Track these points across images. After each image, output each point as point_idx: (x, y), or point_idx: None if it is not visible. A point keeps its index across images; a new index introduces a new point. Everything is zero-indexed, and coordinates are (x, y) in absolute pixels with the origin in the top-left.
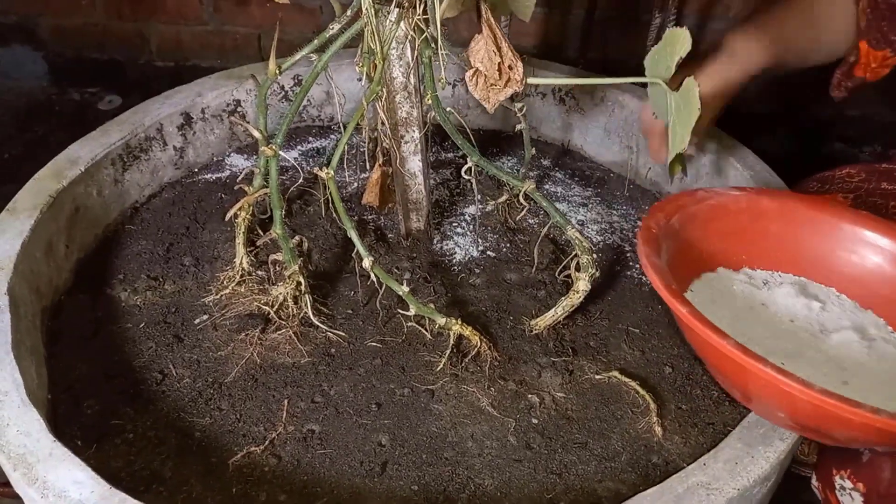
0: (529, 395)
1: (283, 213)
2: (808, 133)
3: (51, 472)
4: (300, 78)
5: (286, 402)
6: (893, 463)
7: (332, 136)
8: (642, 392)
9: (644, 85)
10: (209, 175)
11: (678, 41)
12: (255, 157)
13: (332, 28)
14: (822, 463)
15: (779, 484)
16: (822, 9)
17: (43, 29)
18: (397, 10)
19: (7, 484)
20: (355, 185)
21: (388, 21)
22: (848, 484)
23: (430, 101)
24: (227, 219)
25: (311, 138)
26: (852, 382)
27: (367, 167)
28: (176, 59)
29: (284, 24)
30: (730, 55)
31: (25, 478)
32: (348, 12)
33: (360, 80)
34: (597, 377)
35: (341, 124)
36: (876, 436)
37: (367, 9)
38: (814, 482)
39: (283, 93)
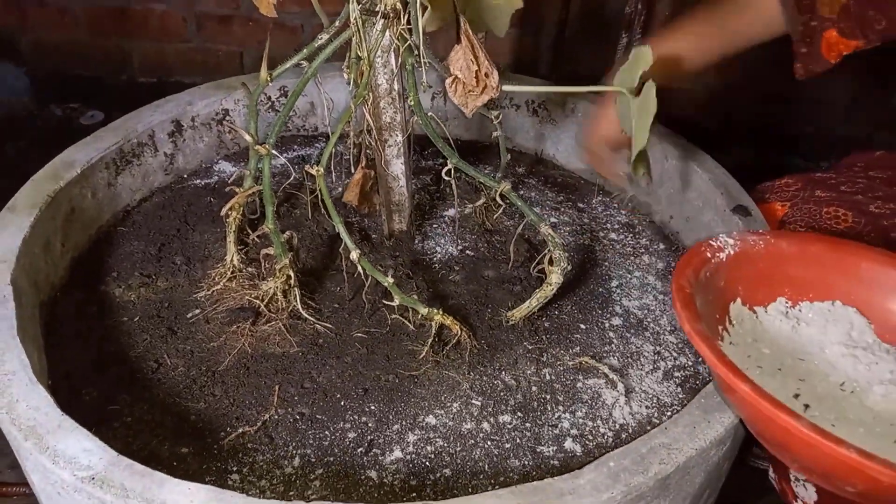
0: (507, 379)
1: (275, 209)
2: (769, 148)
3: (60, 441)
4: (286, 89)
5: (277, 388)
6: None
7: (317, 145)
8: (611, 375)
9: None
10: (198, 181)
11: (642, 58)
12: (242, 163)
13: (321, 38)
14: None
15: (736, 462)
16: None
17: (25, 45)
18: (383, 20)
19: (6, 484)
20: (339, 189)
21: (374, 31)
22: (802, 476)
23: (412, 103)
24: (222, 214)
25: (295, 146)
26: None
27: (352, 171)
28: (158, 75)
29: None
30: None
31: (37, 447)
32: (336, 23)
33: (348, 84)
34: (569, 362)
35: (329, 128)
36: None
37: (354, 19)
38: (771, 474)
39: (270, 103)
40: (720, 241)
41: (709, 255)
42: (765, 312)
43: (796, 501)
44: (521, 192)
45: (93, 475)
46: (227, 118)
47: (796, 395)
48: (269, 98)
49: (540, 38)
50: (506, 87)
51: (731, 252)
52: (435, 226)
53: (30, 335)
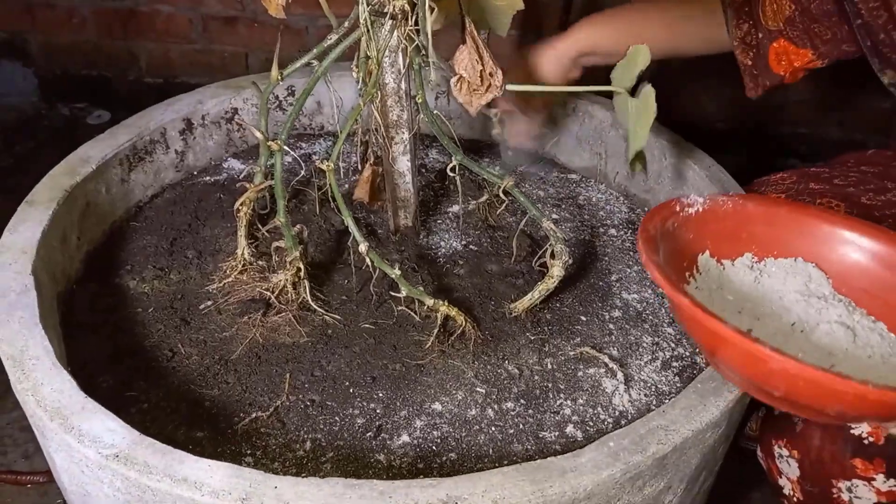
0: (510, 368)
1: (286, 203)
2: (765, 150)
3: (85, 421)
4: (293, 89)
5: (288, 375)
6: (822, 431)
7: (322, 143)
8: (611, 365)
9: (610, 95)
10: (208, 177)
11: (639, 56)
12: (251, 160)
13: (331, 38)
14: (764, 435)
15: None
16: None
17: (33, 46)
18: (391, 21)
19: (19, 473)
20: (346, 186)
21: (382, 31)
22: (785, 452)
23: (420, 102)
24: (235, 208)
25: (302, 144)
26: (840, 366)
27: (359, 168)
28: (164, 76)
29: (271, 44)
30: (565, 34)
31: (62, 427)
32: (345, 24)
33: (357, 83)
34: (571, 352)
35: (337, 126)
36: (868, 407)
37: (363, 20)
38: (759, 453)
39: (278, 102)
40: (690, 199)
41: (678, 209)
42: (731, 265)
43: (781, 477)
44: (523, 190)
45: (117, 453)
46: (237, 117)
47: (749, 330)
48: (277, 97)
49: (540, 39)
50: (509, 87)
51: (700, 209)
52: (439, 221)
53: (50, 324)
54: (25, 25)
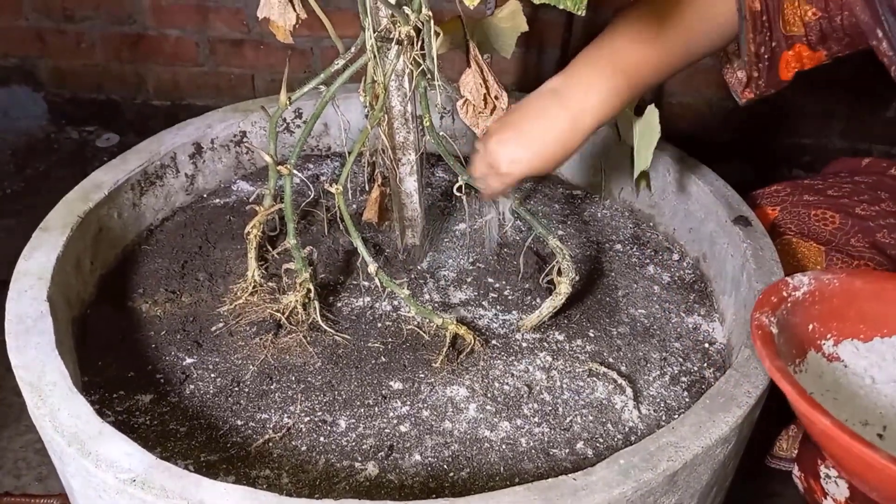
0: (519, 385)
1: (295, 226)
2: (768, 161)
3: (102, 446)
4: (300, 111)
5: (300, 396)
6: None
7: (329, 164)
8: (620, 380)
9: None
10: (217, 200)
11: None
12: (260, 183)
13: (337, 63)
14: (806, 455)
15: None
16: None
17: (42, 70)
18: (397, 46)
19: (34, 496)
20: (354, 206)
21: (388, 56)
22: (833, 472)
23: (427, 125)
24: (245, 232)
25: (310, 165)
26: None
27: (367, 189)
28: (172, 98)
29: (277, 65)
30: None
31: (80, 452)
32: (352, 49)
33: (364, 106)
34: (579, 369)
35: (344, 148)
36: None
37: (370, 46)
38: (795, 473)
39: (285, 124)
40: (796, 281)
41: (785, 293)
42: (841, 362)
43: (826, 499)
44: (529, 206)
45: (134, 477)
46: (245, 140)
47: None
48: (285, 120)
49: (544, 57)
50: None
51: (807, 290)
52: (447, 240)
53: (66, 349)
54: (35, 51)
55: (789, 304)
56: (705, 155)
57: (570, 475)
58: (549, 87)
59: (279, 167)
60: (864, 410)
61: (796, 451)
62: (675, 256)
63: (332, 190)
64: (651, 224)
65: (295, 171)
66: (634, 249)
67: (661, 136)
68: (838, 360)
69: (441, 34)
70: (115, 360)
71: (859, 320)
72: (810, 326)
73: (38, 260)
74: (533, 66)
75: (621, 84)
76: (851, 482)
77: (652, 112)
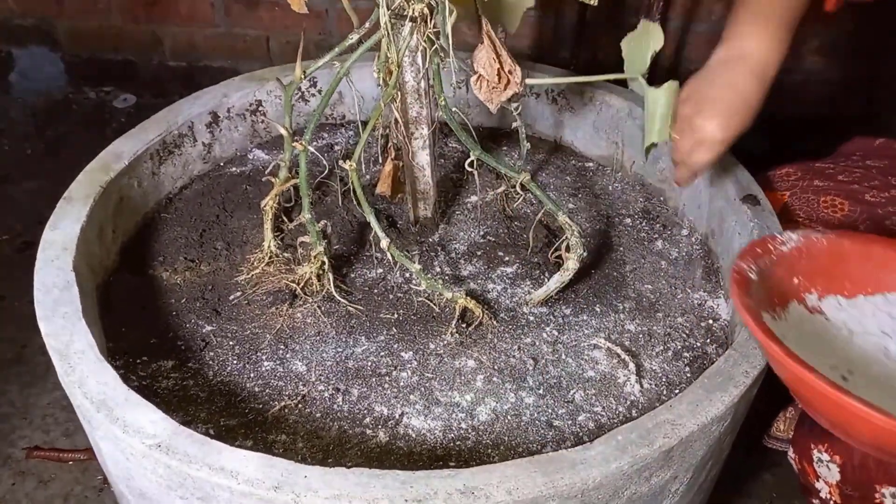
0: (525, 358)
1: (310, 200)
2: (783, 132)
3: (129, 413)
4: (315, 79)
5: (315, 364)
6: None
7: (343, 133)
8: (623, 355)
9: (625, 83)
10: (234, 168)
11: (652, 34)
12: (275, 151)
13: (352, 38)
14: (800, 438)
15: (746, 443)
16: None
17: (60, 31)
18: (410, 24)
19: (62, 450)
20: (367, 177)
21: (402, 33)
22: (825, 456)
23: (441, 104)
24: (262, 206)
25: (324, 134)
26: None
27: (380, 161)
28: (188, 59)
29: (293, 26)
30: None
31: (108, 418)
32: (366, 24)
33: (378, 84)
34: (584, 343)
35: (359, 122)
36: None
37: (384, 23)
38: (790, 454)
39: (300, 93)
40: (784, 236)
41: (771, 247)
42: (821, 310)
43: (818, 481)
44: (541, 179)
45: (159, 443)
46: (261, 108)
47: (843, 377)
48: (300, 89)
49: (561, 21)
50: (528, 81)
51: (794, 246)
52: (458, 212)
53: (91, 318)
54: (53, 11)
55: (774, 257)
56: None
57: (569, 449)
58: (723, 58)
59: (294, 143)
60: (833, 356)
61: (792, 433)
62: (684, 232)
63: (346, 167)
64: (661, 199)
65: (310, 148)
66: (644, 224)
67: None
68: (820, 313)
69: (455, 11)
70: (138, 326)
71: (845, 278)
72: (795, 280)
73: (63, 230)
74: (549, 30)
75: (783, 33)
76: (818, 421)
77: (671, 87)
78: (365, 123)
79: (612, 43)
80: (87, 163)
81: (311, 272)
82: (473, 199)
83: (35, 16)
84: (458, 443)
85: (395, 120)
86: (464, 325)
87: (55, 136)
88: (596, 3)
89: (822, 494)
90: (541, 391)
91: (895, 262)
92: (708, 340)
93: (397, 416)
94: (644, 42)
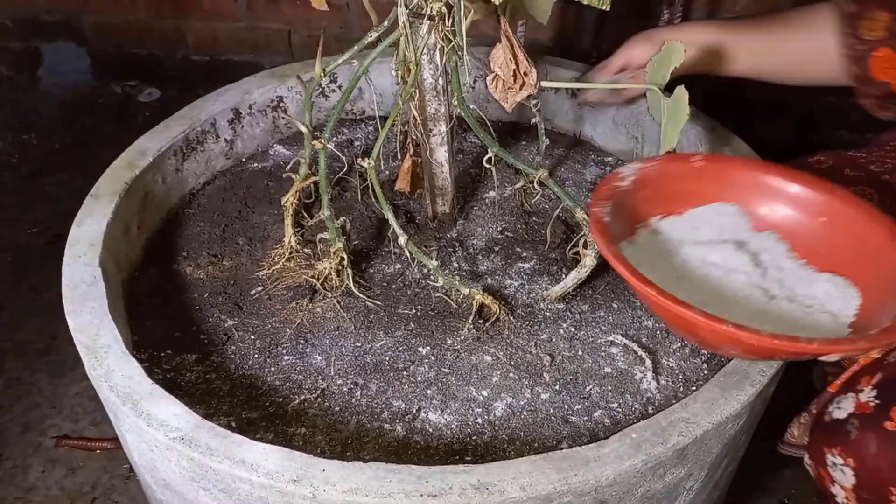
0: (542, 354)
1: (330, 197)
2: (810, 120)
3: (153, 406)
4: (335, 75)
5: (334, 359)
6: (878, 438)
7: (363, 128)
8: (640, 352)
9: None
10: (255, 164)
11: (674, 53)
12: (296, 147)
13: (371, 36)
14: (813, 443)
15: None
16: (798, 45)
17: (86, 26)
18: (428, 22)
19: (89, 439)
20: (386, 172)
21: (420, 32)
22: (839, 460)
23: (458, 102)
24: (283, 203)
25: (344, 130)
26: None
27: (399, 156)
28: (211, 53)
29: (314, 20)
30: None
31: (133, 411)
32: (385, 23)
33: (396, 82)
34: (601, 339)
35: (377, 118)
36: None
37: (402, 22)
38: (807, 461)
39: (320, 89)
40: (623, 170)
41: (615, 182)
42: (660, 224)
43: (833, 486)
44: (560, 173)
45: (182, 436)
46: (282, 104)
47: (677, 278)
48: (320, 84)
49: (582, 11)
50: (543, 84)
51: (634, 177)
52: (476, 208)
53: (118, 313)
54: (79, 6)
55: (618, 193)
56: (748, 113)
57: (583, 447)
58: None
59: (314, 142)
60: (672, 268)
61: (807, 439)
62: None
63: (365, 165)
64: None
65: (329, 146)
66: None
67: (693, 104)
68: (659, 234)
69: (472, 11)
70: (163, 320)
71: (675, 198)
72: (639, 209)
73: (89, 227)
74: (571, 21)
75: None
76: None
77: (680, 94)
78: (383, 119)
79: (633, 34)
80: (113, 157)
81: (331, 268)
82: (491, 194)
83: (62, 10)
84: (474, 437)
85: (414, 117)
86: (481, 321)
87: (82, 130)
88: (608, 8)
89: (839, 499)
90: (557, 387)
91: (710, 176)
92: None
93: (414, 411)
94: (666, 60)
